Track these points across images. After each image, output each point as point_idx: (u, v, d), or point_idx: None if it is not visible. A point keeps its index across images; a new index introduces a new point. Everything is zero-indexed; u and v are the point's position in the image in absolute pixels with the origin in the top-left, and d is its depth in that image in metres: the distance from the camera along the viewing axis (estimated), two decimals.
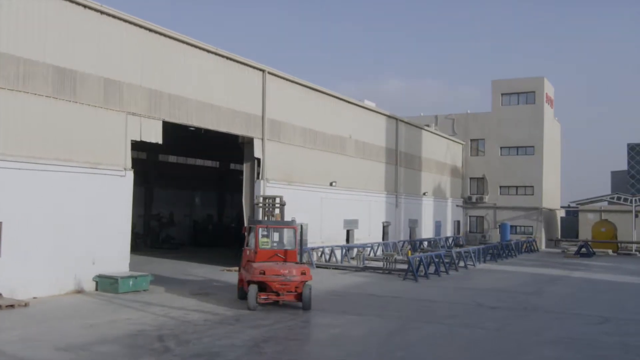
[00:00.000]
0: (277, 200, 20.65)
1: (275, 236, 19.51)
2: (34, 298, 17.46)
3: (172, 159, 46.32)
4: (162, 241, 41.48)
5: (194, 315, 16.02)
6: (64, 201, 18.95)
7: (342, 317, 16.56)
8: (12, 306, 15.94)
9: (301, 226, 20.91)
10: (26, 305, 16.31)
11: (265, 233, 18.99)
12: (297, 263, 18.54)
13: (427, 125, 52.67)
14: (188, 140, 38.15)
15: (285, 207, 21.44)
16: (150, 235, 41.23)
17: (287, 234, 19.28)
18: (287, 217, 21.00)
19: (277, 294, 17.38)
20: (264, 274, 17.09)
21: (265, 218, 20.42)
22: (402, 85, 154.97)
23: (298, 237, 19.22)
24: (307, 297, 17.25)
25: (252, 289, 17.16)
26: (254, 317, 15.89)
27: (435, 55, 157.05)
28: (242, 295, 18.57)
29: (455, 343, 13.88)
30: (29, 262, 17.75)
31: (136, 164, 38.77)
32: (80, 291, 19.16)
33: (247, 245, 19.27)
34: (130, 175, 21.42)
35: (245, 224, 21.30)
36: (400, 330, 15.03)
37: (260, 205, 20.76)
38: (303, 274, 17.34)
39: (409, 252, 27.11)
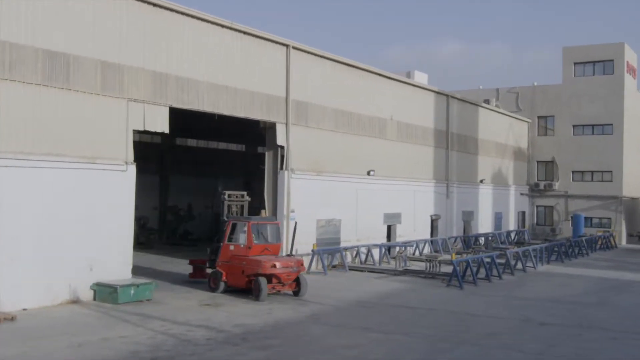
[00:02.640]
0: (243, 196, 24.47)
1: (262, 231, 22.72)
2: (24, 310, 18.12)
3: (192, 142, 47.01)
4: (179, 237, 42.25)
5: (197, 332, 16.41)
6: (57, 200, 19.53)
7: (363, 335, 16.73)
8: None
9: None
10: (13, 319, 16.97)
11: (245, 229, 22.19)
12: (289, 256, 23.04)
13: (487, 101, 52.04)
14: (208, 121, 38.60)
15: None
16: (166, 230, 42.07)
17: (272, 229, 22.94)
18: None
19: (282, 285, 21.57)
20: (275, 267, 21.09)
21: (231, 214, 23.67)
22: (460, 49, 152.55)
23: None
24: (304, 285, 22.14)
25: (264, 282, 20.98)
26: (262, 336, 16.18)
27: (498, 16, 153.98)
28: (226, 289, 22.25)
29: None
30: (18, 270, 18.39)
31: (150, 149, 40.05)
32: (75, 301, 19.79)
33: (230, 241, 22.44)
34: (132, 169, 21.89)
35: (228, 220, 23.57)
36: (426, 353, 15.10)
37: (227, 201, 23.70)
38: (302, 265, 22.41)
39: (453, 254, 26.95)
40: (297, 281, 22.13)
